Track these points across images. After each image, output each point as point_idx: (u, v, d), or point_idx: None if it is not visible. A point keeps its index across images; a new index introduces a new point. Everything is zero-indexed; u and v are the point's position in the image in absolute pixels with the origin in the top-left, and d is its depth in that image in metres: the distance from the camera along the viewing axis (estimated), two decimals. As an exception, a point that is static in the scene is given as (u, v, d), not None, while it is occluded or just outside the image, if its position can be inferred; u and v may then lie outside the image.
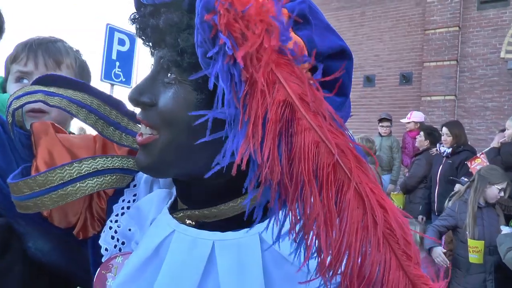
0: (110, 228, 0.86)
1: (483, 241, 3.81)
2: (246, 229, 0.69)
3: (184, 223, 0.75)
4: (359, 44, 10.72)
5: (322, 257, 0.54)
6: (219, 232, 0.71)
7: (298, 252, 0.57)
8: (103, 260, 0.84)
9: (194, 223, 0.75)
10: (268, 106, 0.53)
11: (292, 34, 0.61)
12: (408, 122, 6.97)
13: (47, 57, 1.31)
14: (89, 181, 0.80)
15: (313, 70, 0.62)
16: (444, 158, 5.60)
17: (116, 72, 6.72)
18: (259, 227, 0.66)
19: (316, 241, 0.55)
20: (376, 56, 10.48)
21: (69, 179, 0.78)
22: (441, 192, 5.44)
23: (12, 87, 1.26)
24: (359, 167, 0.55)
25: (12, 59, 1.28)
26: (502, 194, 4.04)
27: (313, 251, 0.55)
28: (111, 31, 6.62)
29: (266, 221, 0.60)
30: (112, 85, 6.77)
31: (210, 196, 0.74)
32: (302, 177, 0.53)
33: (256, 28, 0.53)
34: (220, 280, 0.68)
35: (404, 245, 0.56)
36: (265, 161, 0.53)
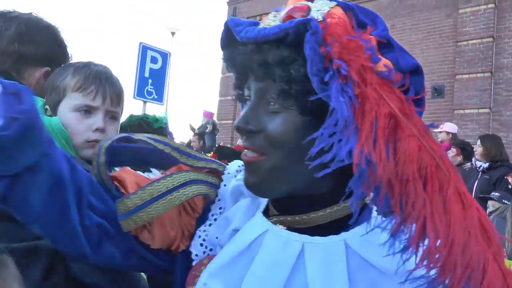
0: (199, 237, 0.95)
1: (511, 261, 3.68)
2: (332, 235, 0.78)
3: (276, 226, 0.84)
4: (389, 57, 10.63)
5: (428, 244, 0.63)
6: (308, 236, 0.79)
7: (395, 245, 0.67)
8: (193, 264, 0.93)
9: (285, 228, 0.83)
10: (377, 116, 0.66)
11: (381, 57, 0.74)
12: (440, 132, 6.81)
13: (113, 94, 1.32)
14: (188, 188, 0.92)
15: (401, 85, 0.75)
16: (480, 173, 5.45)
17: (149, 89, 6.86)
18: (344, 235, 0.77)
19: (418, 231, 0.63)
20: (407, 69, 10.37)
21: (172, 186, 0.89)
22: (477, 208, 5.30)
23: (73, 117, 1.26)
24: (454, 169, 0.66)
25: (77, 88, 1.26)
26: None
27: (412, 245, 0.65)
28: (144, 49, 6.77)
29: (352, 230, 0.76)
30: (145, 102, 6.90)
31: (303, 206, 0.82)
32: (407, 176, 0.64)
33: (357, 54, 0.69)
34: (308, 276, 0.76)
35: (495, 241, 0.64)
36: (383, 159, 0.64)
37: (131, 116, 3.36)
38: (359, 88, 0.68)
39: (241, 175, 0.95)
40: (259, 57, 0.77)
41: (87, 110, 1.28)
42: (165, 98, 7.23)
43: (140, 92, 6.76)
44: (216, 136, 10.16)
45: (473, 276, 0.61)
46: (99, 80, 1.29)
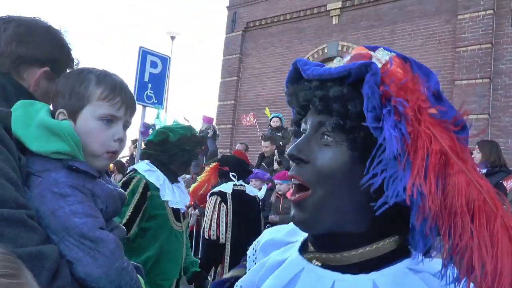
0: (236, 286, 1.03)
1: None
2: (363, 274, 0.82)
3: (312, 263, 0.90)
4: (388, 62, 10.65)
5: (475, 276, 0.66)
6: (340, 273, 0.84)
7: (445, 273, 0.71)
8: None
9: (320, 264, 0.88)
10: (429, 153, 0.71)
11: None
12: None
13: (133, 105, 1.38)
14: None
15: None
16: (478, 179, 5.45)
17: (148, 94, 6.87)
18: (374, 274, 0.81)
19: (466, 263, 0.67)
20: (406, 75, 10.39)
21: None
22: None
23: (97, 125, 1.28)
24: (501, 204, 0.70)
25: (103, 98, 1.28)
26: None
27: (462, 273, 0.68)
28: (144, 54, 6.79)
29: (382, 270, 0.80)
30: (144, 106, 6.91)
31: (340, 244, 0.87)
32: (455, 208, 0.69)
33: (413, 94, 0.75)
34: None
35: None
36: (432, 192, 0.69)
37: (192, 129, 3.37)
38: (412, 126, 0.73)
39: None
40: (321, 92, 0.84)
41: (110, 120, 1.30)
42: (165, 103, 7.24)
43: (139, 97, 6.77)
44: (216, 141, 10.14)
45: None
46: (124, 91, 1.33)
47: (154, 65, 6.93)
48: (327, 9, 11.99)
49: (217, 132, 9.93)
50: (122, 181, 3.17)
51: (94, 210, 1.23)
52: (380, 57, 0.84)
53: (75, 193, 1.19)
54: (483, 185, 0.70)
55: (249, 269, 1.06)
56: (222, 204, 4.21)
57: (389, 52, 0.86)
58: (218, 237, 4.12)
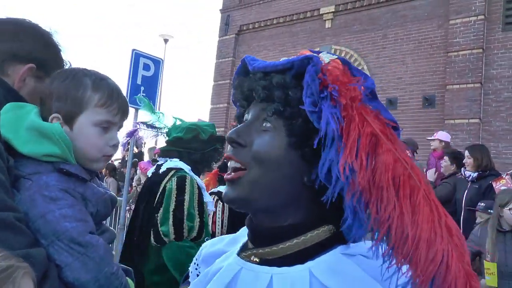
0: None
1: (495, 263, 3.72)
2: (299, 265, 0.86)
3: (251, 260, 0.93)
4: (381, 67, 10.71)
5: (395, 242, 0.72)
6: (277, 267, 0.88)
7: (376, 249, 0.75)
8: None
9: (258, 260, 0.92)
10: (361, 134, 0.77)
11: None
12: (433, 140, 6.83)
13: (128, 110, 1.40)
14: None
15: None
16: (469, 183, 5.49)
17: (141, 96, 6.84)
18: (309, 263, 0.85)
19: (393, 232, 0.72)
20: (398, 79, 10.44)
21: None
22: (467, 217, 5.32)
23: (95, 132, 1.29)
24: (425, 179, 0.77)
25: (101, 104, 1.29)
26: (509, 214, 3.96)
27: (389, 244, 0.73)
28: (137, 56, 6.77)
29: (317, 259, 0.85)
30: (137, 109, 6.88)
31: (273, 237, 0.91)
32: (382, 183, 0.74)
33: (347, 86, 0.82)
34: None
35: (460, 243, 0.73)
36: (363, 168, 0.75)
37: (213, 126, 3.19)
38: (346, 111, 0.80)
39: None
40: (264, 82, 0.92)
41: (108, 127, 1.32)
42: (157, 105, 7.21)
43: (132, 100, 6.74)
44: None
45: (438, 271, 0.69)
46: (120, 97, 1.35)
47: (147, 67, 6.90)
48: (320, 13, 12.03)
49: None
50: (176, 183, 2.87)
51: (84, 214, 1.22)
52: (323, 57, 0.90)
53: (65, 197, 1.18)
54: (408, 162, 0.77)
55: (192, 282, 1.07)
56: (219, 202, 4.29)
57: (331, 55, 0.91)
58: (213, 232, 4.13)
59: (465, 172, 5.57)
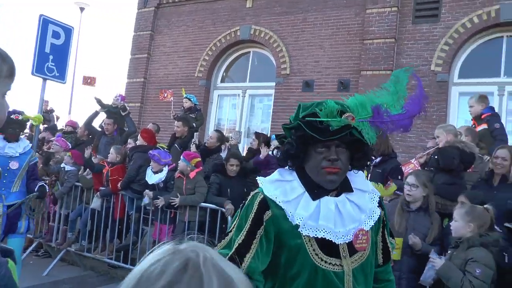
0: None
1: (401, 239, 3.96)
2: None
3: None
4: (299, 49, 10.88)
5: None
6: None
7: None
8: None
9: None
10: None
11: None
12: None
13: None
14: None
15: None
16: (372, 167, 5.75)
17: (50, 66, 6.39)
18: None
19: None
20: (316, 62, 10.68)
21: None
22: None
23: (4, 103, 1.29)
24: None
25: (9, 75, 1.25)
26: (413, 189, 4.31)
27: None
28: (45, 23, 6.30)
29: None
30: (45, 79, 6.43)
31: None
32: None
33: None
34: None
35: None
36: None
37: None
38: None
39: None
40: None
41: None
42: (68, 76, 6.78)
43: (39, 69, 6.28)
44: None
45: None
46: (12, 61, 1.32)
47: (56, 35, 6.45)
48: (242, -9, 11.93)
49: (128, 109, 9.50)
50: None
51: None
52: None
53: None
54: None
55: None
56: None
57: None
58: None
59: (368, 157, 5.81)
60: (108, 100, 9.44)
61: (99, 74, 14.02)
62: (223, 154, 7.64)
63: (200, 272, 0.73)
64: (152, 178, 6.88)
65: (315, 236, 1.76)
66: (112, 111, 9.08)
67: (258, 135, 8.15)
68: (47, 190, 5.92)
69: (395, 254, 3.96)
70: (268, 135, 8.10)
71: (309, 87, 10.60)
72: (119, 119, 9.09)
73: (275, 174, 1.92)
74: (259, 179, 1.92)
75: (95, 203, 7.22)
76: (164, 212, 6.69)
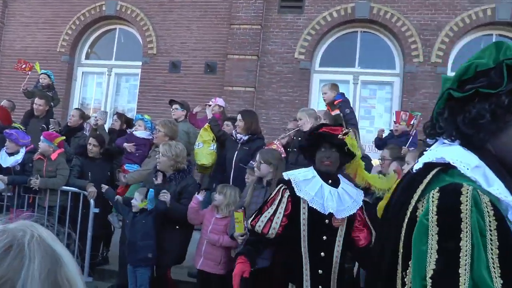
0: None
1: (242, 212, 4.19)
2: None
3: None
4: (167, 29, 10.70)
5: None
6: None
7: None
8: None
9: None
10: None
11: None
12: (211, 105, 7.15)
13: None
14: None
15: None
16: (240, 145, 5.95)
17: None
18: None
19: None
20: (183, 44, 10.60)
21: None
22: (236, 176, 5.81)
23: None
24: None
25: None
26: (257, 170, 4.60)
27: None
28: None
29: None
30: None
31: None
32: None
33: None
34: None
35: None
36: None
37: None
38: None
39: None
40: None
41: None
42: None
43: None
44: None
45: None
46: None
47: None
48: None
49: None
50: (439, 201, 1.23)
51: None
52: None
53: None
54: None
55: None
56: None
57: None
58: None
59: (237, 135, 6.02)
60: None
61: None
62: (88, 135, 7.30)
63: (23, 252, 0.72)
64: (6, 160, 6.31)
65: None
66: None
67: (120, 115, 7.99)
68: None
69: (238, 228, 4.16)
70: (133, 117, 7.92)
71: (176, 68, 10.50)
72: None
73: (469, 162, 1.23)
74: (461, 170, 1.21)
75: None
76: (21, 197, 6.20)
